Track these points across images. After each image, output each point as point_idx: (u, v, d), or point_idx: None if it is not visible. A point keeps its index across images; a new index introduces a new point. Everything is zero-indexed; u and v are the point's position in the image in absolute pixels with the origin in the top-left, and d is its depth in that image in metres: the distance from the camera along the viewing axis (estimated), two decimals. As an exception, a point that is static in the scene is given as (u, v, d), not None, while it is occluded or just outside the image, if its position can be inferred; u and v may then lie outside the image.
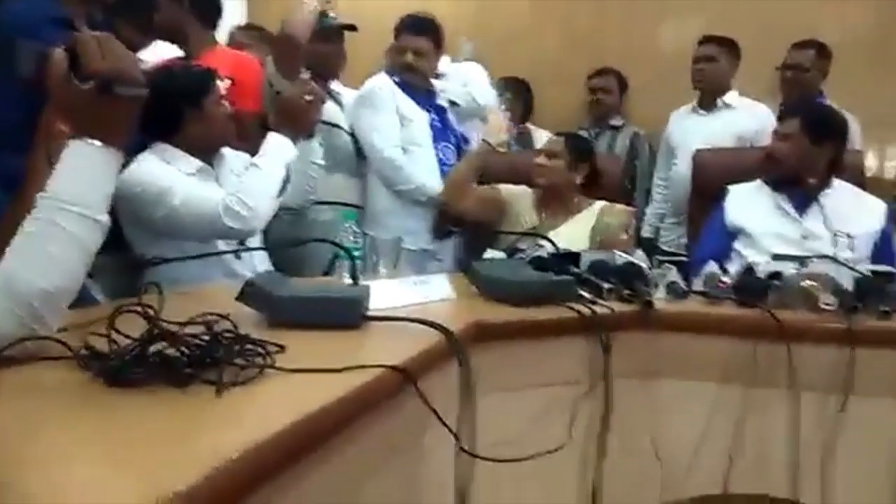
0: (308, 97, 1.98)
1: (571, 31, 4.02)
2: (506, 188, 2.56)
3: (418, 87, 2.82)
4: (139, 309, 0.98)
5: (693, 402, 1.55)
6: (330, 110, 2.60)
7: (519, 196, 2.54)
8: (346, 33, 2.75)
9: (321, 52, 2.64)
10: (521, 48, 3.97)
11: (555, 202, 2.50)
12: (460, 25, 3.54)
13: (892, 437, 1.48)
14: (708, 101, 3.29)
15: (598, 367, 1.49)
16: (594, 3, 3.98)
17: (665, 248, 3.33)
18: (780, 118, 2.44)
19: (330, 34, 2.65)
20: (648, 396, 1.55)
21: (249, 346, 0.99)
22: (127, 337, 0.97)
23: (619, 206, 2.57)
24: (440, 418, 1.09)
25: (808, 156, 2.30)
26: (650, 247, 3.23)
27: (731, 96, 3.27)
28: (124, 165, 1.80)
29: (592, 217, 2.47)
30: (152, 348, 0.93)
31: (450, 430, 1.13)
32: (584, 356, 1.49)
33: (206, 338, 0.95)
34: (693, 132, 3.22)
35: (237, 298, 1.24)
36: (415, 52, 2.77)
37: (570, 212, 2.49)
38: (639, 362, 1.55)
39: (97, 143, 0.99)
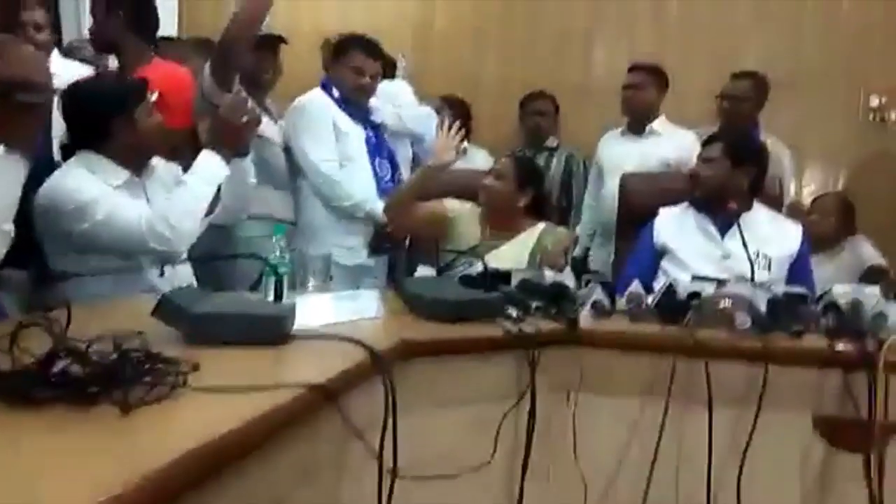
0: (244, 116, 1.96)
1: (507, 53, 4.09)
2: (451, 204, 2.57)
3: (358, 104, 2.81)
4: (44, 324, 0.94)
5: (615, 417, 1.58)
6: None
7: (463, 213, 2.55)
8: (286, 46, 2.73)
9: (253, 62, 2.61)
10: (459, 68, 4.02)
11: (498, 222, 2.52)
12: (400, 43, 3.57)
13: (802, 449, 1.54)
14: (637, 126, 3.38)
15: (524, 383, 1.50)
16: (528, 27, 4.06)
17: (595, 267, 3.39)
18: (705, 144, 2.53)
19: (262, 45, 2.62)
20: (573, 412, 1.57)
21: (160, 365, 0.95)
22: (31, 354, 0.93)
23: (560, 229, 2.61)
24: (360, 437, 1.08)
25: (729, 178, 2.39)
26: (580, 266, 3.29)
27: (658, 122, 3.37)
28: (41, 173, 1.76)
29: (533, 238, 2.50)
30: (57, 366, 0.89)
31: (371, 450, 1.12)
32: (511, 373, 1.51)
33: (114, 356, 0.91)
34: (623, 156, 3.31)
35: (152, 314, 1.20)
36: (371, 77, 2.78)
37: (512, 232, 2.51)
38: (564, 379, 1.58)
39: (0, 149, 0.95)
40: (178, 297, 1.22)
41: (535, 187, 2.55)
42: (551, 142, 3.80)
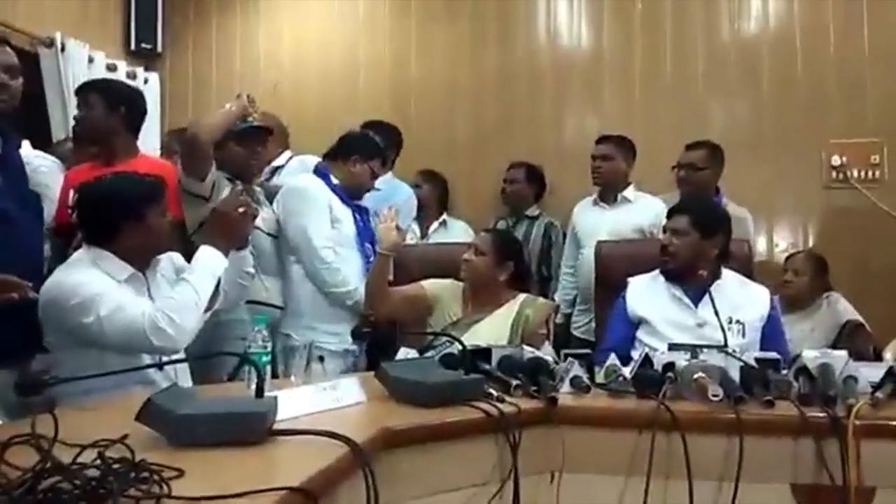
0: (240, 209, 2.02)
1: (482, 126, 4.22)
2: (430, 283, 2.62)
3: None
4: (31, 441, 0.96)
5: (600, 495, 1.60)
6: None
7: (444, 290, 2.60)
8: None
9: (236, 154, 2.69)
10: (435, 141, 4.13)
11: (479, 296, 2.57)
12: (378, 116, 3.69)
13: (784, 522, 1.56)
14: (608, 195, 3.48)
15: (507, 465, 1.52)
16: (503, 101, 4.20)
17: (577, 333, 3.43)
18: (669, 215, 2.58)
19: (246, 137, 2.70)
20: (556, 492, 1.59)
21: (145, 474, 0.98)
22: (16, 468, 0.95)
23: (541, 300, 2.67)
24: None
25: (699, 249, 2.46)
26: (562, 333, 3.32)
27: (629, 191, 3.47)
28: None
29: (514, 310, 2.55)
30: (44, 484, 0.91)
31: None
32: (493, 456, 1.53)
33: (100, 469, 0.94)
34: (597, 224, 3.39)
35: (136, 419, 1.22)
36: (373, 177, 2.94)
37: (493, 305, 2.56)
38: (546, 458, 1.60)
39: None
40: (162, 400, 1.25)
41: (514, 260, 2.62)
42: (532, 210, 3.88)
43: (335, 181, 2.86)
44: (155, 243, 1.97)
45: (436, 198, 3.91)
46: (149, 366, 1.80)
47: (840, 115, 3.83)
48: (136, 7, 4.33)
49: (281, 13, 4.51)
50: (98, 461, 0.96)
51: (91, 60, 3.96)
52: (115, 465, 0.96)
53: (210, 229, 2.04)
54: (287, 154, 3.42)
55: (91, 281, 1.83)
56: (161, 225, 1.95)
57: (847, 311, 3.37)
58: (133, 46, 4.33)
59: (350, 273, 2.78)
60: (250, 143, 2.73)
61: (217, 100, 4.07)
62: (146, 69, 4.32)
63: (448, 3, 4.30)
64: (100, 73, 3.89)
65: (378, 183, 3.04)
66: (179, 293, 1.87)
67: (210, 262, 1.94)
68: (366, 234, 2.89)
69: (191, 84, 4.47)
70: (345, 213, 2.84)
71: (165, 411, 1.23)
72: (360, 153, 2.90)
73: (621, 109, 4.05)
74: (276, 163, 3.34)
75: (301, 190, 2.84)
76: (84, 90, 2.60)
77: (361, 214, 2.93)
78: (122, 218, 1.90)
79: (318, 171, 2.91)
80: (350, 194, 2.89)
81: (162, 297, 1.90)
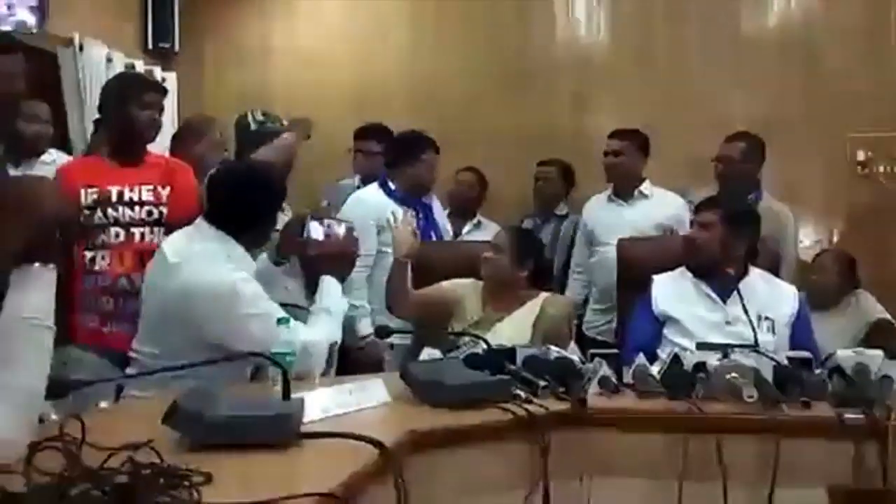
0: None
1: (523, 127, 4.14)
2: (451, 284, 2.59)
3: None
4: (59, 446, 0.95)
5: (629, 499, 1.57)
6: None
7: (465, 289, 2.57)
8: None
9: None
10: (476, 141, 4.07)
11: (500, 295, 2.54)
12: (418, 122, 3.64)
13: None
14: (624, 191, 3.38)
15: (536, 469, 1.49)
16: (521, 97, 4.16)
17: (592, 335, 3.33)
18: (698, 209, 2.55)
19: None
20: (586, 495, 1.56)
21: (174, 480, 0.96)
22: (45, 473, 0.93)
23: (563, 298, 2.63)
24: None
25: (727, 245, 2.41)
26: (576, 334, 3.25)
27: (645, 186, 3.38)
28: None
29: (536, 309, 2.51)
30: (73, 491, 0.89)
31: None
32: (522, 459, 1.50)
33: (129, 474, 0.92)
34: (616, 221, 3.28)
35: (163, 422, 1.20)
36: None
37: (514, 304, 2.53)
38: (575, 460, 1.57)
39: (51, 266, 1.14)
40: (188, 402, 1.23)
41: (534, 258, 2.59)
42: (561, 209, 3.83)
43: (394, 187, 2.99)
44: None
45: (475, 195, 3.86)
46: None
47: (865, 109, 3.76)
48: (153, 7, 4.34)
49: (297, 12, 4.49)
50: (127, 466, 0.94)
51: (109, 60, 3.96)
52: (145, 471, 0.94)
53: (324, 263, 2.06)
54: None
55: (258, 291, 1.85)
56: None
57: (876, 309, 3.31)
58: (150, 46, 4.33)
59: None
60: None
61: (233, 98, 4.06)
62: (163, 69, 4.31)
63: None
64: (117, 72, 3.89)
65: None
66: (326, 328, 1.94)
67: (337, 293, 2.02)
68: (427, 230, 2.98)
69: (207, 83, 4.47)
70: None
71: (192, 414, 1.21)
72: (408, 154, 3.01)
73: (642, 104, 3.98)
74: None
75: (362, 200, 3.02)
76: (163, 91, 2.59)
77: (425, 211, 3.04)
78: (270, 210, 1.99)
79: (382, 183, 3.04)
80: (414, 194, 2.99)
81: (312, 325, 1.93)
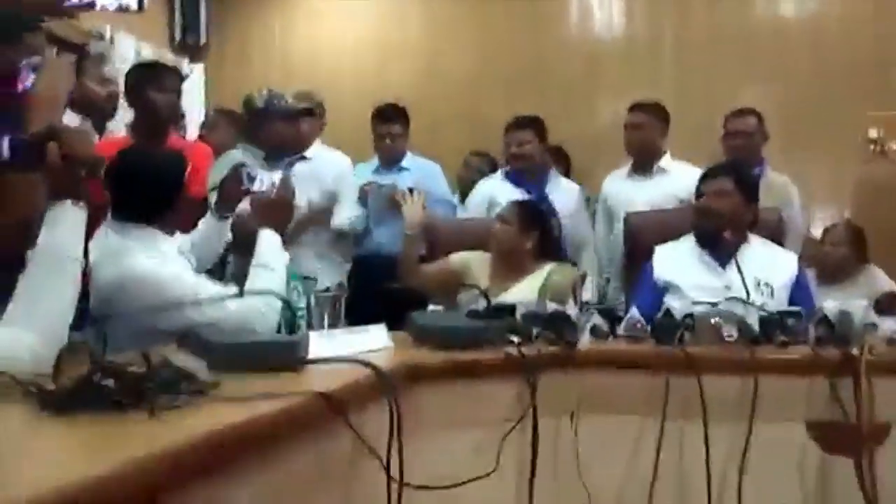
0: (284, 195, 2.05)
1: (514, 113, 4.24)
2: (458, 256, 2.71)
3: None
4: (83, 348, 1.08)
5: (615, 436, 1.66)
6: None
7: (472, 261, 2.68)
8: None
9: (276, 132, 2.82)
10: (464, 129, 4.19)
11: (507, 266, 2.64)
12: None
13: (799, 456, 1.59)
14: (643, 165, 3.40)
15: (525, 405, 1.59)
16: (534, 88, 4.25)
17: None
18: (708, 177, 2.54)
19: (289, 116, 2.84)
20: (574, 433, 1.65)
21: (184, 380, 1.08)
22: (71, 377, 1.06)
23: (568, 266, 2.71)
24: (367, 444, 1.18)
25: (739, 213, 2.47)
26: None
27: (665, 160, 3.39)
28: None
29: (541, 277, 2.61)
30: (94, 382, 1.02)
31: (378, 457, 1.22)
32: (512, 396, 1.60)
33: (142, 370, 1.04)
34: (634, 196, 3.31)
35: (178, 345, 1.33)
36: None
37: (521, 274, 2.62)
38: (564, 400, 1.66)
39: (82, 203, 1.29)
40: (201, 331, 1.35)
41: (539, 229, 2.68)
42: None
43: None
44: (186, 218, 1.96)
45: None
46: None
47: (876, 86, 3.78)
48: (182, 2, 4.53)
49: (320, 5, 4.65)
50: (144, 366, 1.06)
51: (138, 53, 4.15)
52: (159, 370, 1.07)
53: (259, 216, 2.00)
54: (318, 143, 3.42)
55: (181, 274, 1.75)
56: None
57: (885, 282, 3.33)
58: (178, 39, 4.52)
59: None
60: (293, 122, 2.86)
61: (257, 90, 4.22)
62: (191, 60, 4.50)
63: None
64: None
65: (405, 162, 3.30)
66: (268, 282, 1.82)
67: (277, 246, 1.93)
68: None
69: (233, 75, 4.64)
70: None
71: (205, 340, 1.34)
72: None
73: (652, 92, 4.03)
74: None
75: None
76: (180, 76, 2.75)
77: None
78: (174, 190, 1.85)
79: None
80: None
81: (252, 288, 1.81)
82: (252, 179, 2.05)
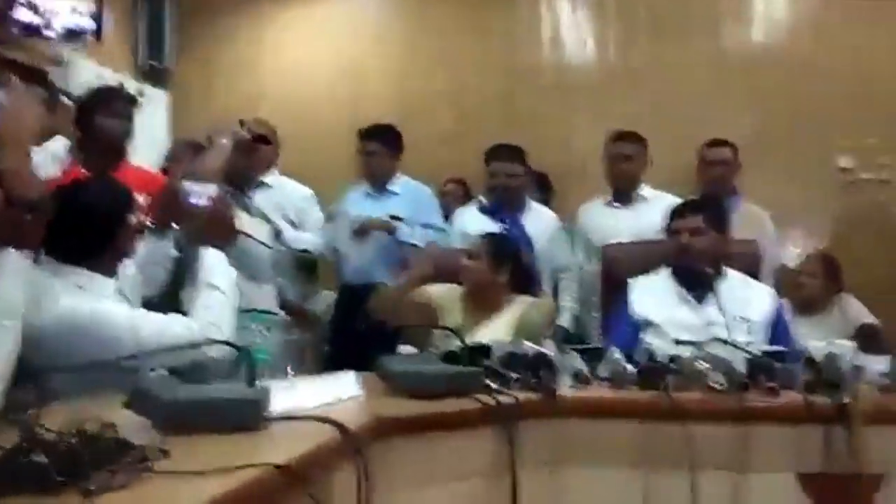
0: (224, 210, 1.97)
1: (489, 137, 4.19)
2: (433, 289, 2.61)
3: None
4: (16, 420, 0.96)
5: (599, 488, 1.57)
6: (242, 219, 2.63)
7: (445, 296, 2.59)
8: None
9: (232, 161, 2.70)
10: (442, 152, 4.13)
11: (480, 301, 2.55)
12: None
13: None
14: (624, 195, 3.36)
15: (504, 458, 1.49)
16: (507, 111, 4.21)
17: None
18: (675, 215, 2.50)
19: (249, 147, 2.72)
20: (555, 485, 1.56)
21: (127, 452, 0.96)
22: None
23: (542, 301, 2.64)
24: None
25: (716, 248, 2.42)
26: (569, 338, 3.25)
27: (645, 189, 3.36)
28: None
29: (517, 312, 2.53)
30: (24, 458, 0.90)
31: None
32: (489, 448, 1.50)
33: (76, 441, 0.93)
34: (615, 225, 3.27)
35: (124, 405, 1.21)
36: None
37: (495, 310, 2.54)
38: (544, 450, 1.57)
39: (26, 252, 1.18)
40: (151, 386, 1.24)
41: (511, 262, 2.60)
42: None
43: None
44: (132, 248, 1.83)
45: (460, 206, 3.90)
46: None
47: (847, 116, 3.80)
48: (146, 25, 4.41)
49: (287, 31, 4.57)
50: (78, 438, 0.95)
51: (100, 78, 4.02)
52: (97, 442, 0.95)
53: (205, 232, 1.92)
54: (275, 171, 3.37)
55: (111, 309, 1.65)
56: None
57: (861, 312, 3.33)
58: (141, 63, 4.40)
59: None
60: (250, 154, 2.74)
61: (224, 116, 4.10)
62: (154, 85, 4.37)
63: (454, 14, 4.34)
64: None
65: (397, 187, 3.26)
66: (215, 300, 1.76)
67: (223, 262, 1.86)
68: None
69: (200, 101, 4.52)
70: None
71: (155, 397, 1.22)
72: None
73: (626, 118, 4.02)
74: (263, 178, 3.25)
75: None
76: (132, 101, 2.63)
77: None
78: (114, 224, 1.73)
79: None
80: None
81: (199, 307, 1.76)
82: (188, 195, 1.93)
